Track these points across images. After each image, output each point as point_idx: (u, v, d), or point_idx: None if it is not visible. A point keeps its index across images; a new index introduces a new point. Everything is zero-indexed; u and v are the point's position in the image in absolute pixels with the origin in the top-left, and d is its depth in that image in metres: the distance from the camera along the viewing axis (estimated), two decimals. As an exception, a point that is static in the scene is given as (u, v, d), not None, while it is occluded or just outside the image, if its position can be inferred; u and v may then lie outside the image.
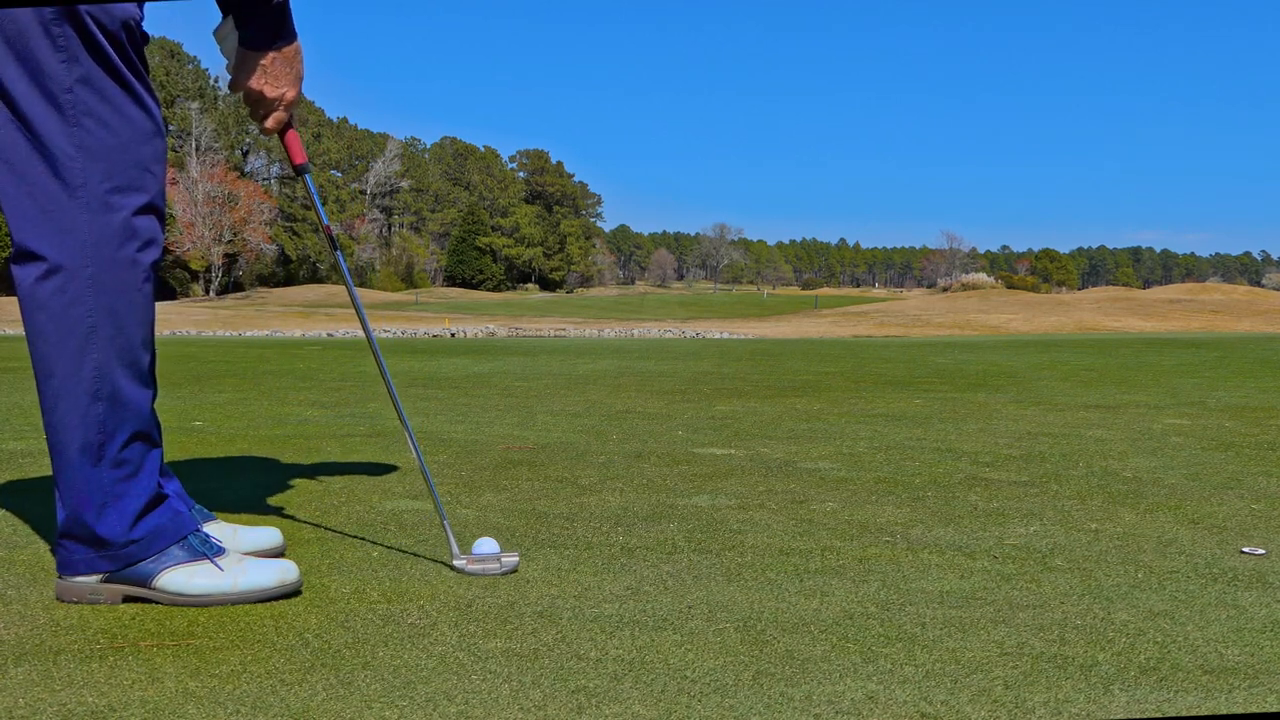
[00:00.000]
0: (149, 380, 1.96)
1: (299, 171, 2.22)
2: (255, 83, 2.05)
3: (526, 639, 1.72)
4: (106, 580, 1.90)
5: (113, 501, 1.89)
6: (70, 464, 1.88)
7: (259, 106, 2.09)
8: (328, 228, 2.30)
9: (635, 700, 1.47)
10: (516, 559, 2.16)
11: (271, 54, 2.04)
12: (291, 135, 2.18)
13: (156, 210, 1.93)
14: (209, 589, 1.90)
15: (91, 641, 1.69)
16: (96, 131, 1.85)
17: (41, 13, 1.82)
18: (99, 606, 1.87)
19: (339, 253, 2.25)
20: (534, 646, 1.68)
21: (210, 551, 1.94)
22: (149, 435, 1.95)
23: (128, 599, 1.90)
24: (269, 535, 2.22)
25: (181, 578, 1.90)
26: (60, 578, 1.91)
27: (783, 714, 1.43)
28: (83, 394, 1.87)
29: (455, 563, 2.13)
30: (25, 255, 1.86)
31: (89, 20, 1.85)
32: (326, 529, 2.46)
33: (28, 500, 2.70)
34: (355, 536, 2.39)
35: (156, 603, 1.90)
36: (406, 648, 1.67)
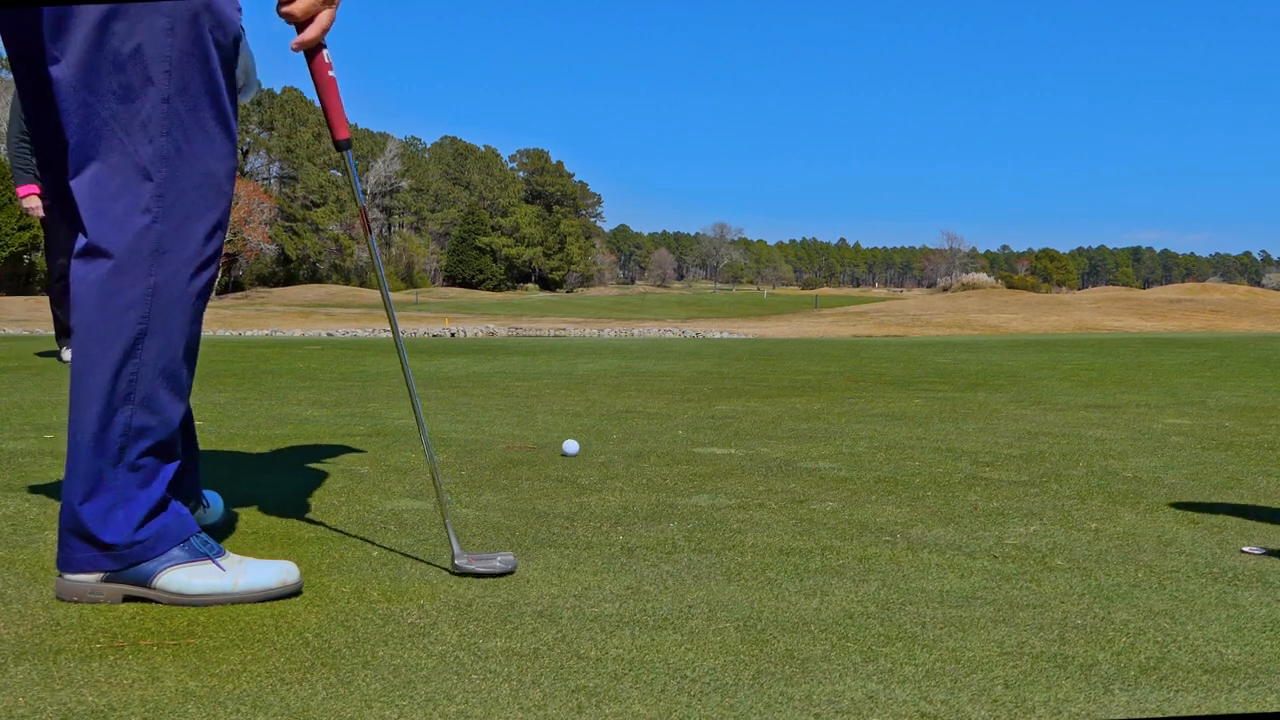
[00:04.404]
0: (184, 394, 1.96)
1: (340, 148, 2.15)
2: None
3: (526, 638, 1.72)
4: (107, 580, 1.90)
5: (122, 504, 1.89)
6: (88, 462, 1.88)
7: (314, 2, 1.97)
8: (364, 210, 2.25)
9: (635, 700, 1.47)
10: (513, 559, 2.14)
11: None
12: (335, 101, 2.08)
13: (224, 228, 1.96)
14: (209, 589, 1.90)
15: (91, 641, 1.69)
16: (183, 146, 1.88)
17: (155, 21, 1.82)
18: (99, 606, 1.87)
19: (371, 236, 2.21)
20: (534, 646, 1.68)
21: (212, 552, 1.94)
22: (171, 447, 1.95)
23: (128, 598, 1.90)
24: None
25: (182, 577, 1.90)
26: (61, 576, 1.91)
27: (783, 713, 1.43)
28: (118, 396, 1.87)
29: (457, 561, 2.11)
30: (93, 252, 1.86)
31: (206, 32, 1.87)
32: (326, 529, 2.46)
33: (28, 500, 2.70)
34: (355, 536, 2.39)
35: (157, 602, 1.90)
36: (406, 647, 1.67)
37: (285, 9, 1.98)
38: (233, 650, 1.65)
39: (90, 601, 1.89)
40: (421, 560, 2.20)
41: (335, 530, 2.44)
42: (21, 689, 1.48)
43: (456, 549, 2.12)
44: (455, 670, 1.58)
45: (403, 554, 2.25)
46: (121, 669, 1.57)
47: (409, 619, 1.81)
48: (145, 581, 1.91)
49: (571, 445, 3.52)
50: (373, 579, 2.05)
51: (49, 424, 4.05)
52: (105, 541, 1.88)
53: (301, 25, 2.00)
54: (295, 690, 1.49)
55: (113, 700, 1.45)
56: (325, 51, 2.04)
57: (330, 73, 2.06)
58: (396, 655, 1.64)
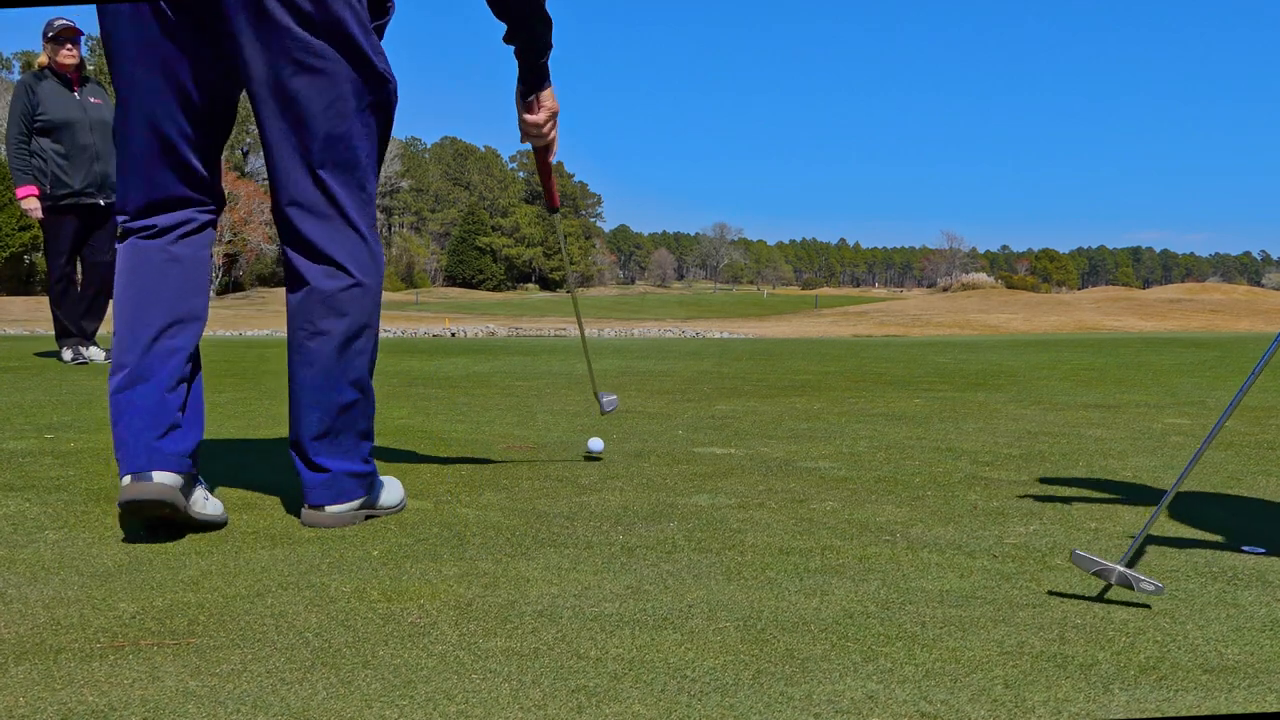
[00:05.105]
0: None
1: (553, 211, 3.02)
2: (552, 104, 2.80)
3: (526, 638, 1.72)
4: (363, 506, 2.50)
5: (372, 435, 2.55)
6: (368, 403, 2.51)
7: (550, 124, 2.82)
8: (567, 256, 3.36)
9: (635, 699, 1.47)
10: (615, 400, 3.44)
11: (549, 89, 2.78)
12: (553, 180, 2.96)
13: None
14: (394, 500, 2.60)
15: (91, 641, 1.69)
16: (373, 190, 2.49)
17: (365, 99, 2.37)
18: (98, 605, 1.87)
19: (571, 279, 3.64)
20: (534, 646, 1.68)
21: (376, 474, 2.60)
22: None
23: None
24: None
25: (385, 495, 2.57)
26: (323, 511, 2.44)
27: (783, 713, 1.43)
28: (372, 351, 2.51)
29: (605, 410, 3.37)
30: (353, 272, 2.45)
31: (393, 103, 2.45)
32: (326, 529, 2.46)
33: (28, 500, 2.70)
34: (355, 536, 2.39)
35: (372, 518, 2.52)
36: (406, 647, 1.67)
37: (539, 142, 2.85)
38: (233, 650, 1.65)
39: (352, 522, 2.46)
40: (422, 560, 2.20)
41: (335, 530, 2.44)
42: (21, 689, 1.48)
43: (603, 399, 3.35)
44: (455, 670, 1.58)
45: (403, 554, 2.25)
46: (121, 669, 1.57)
47: (409, 619, 1.81)
48: (374, 503, 2.54)
49: (596, 443, 3.48)
50: (373, 579, 2.05)
51: (49, 424, 4.05)
52: (370, 462, 2.54)
53: (543, 144, 2.87)
54: (295, 690, 1.49)
55: (113, 700, 1.45)
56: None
57: (552, 160, 2.93)
58: (396, 655, 1.64)
